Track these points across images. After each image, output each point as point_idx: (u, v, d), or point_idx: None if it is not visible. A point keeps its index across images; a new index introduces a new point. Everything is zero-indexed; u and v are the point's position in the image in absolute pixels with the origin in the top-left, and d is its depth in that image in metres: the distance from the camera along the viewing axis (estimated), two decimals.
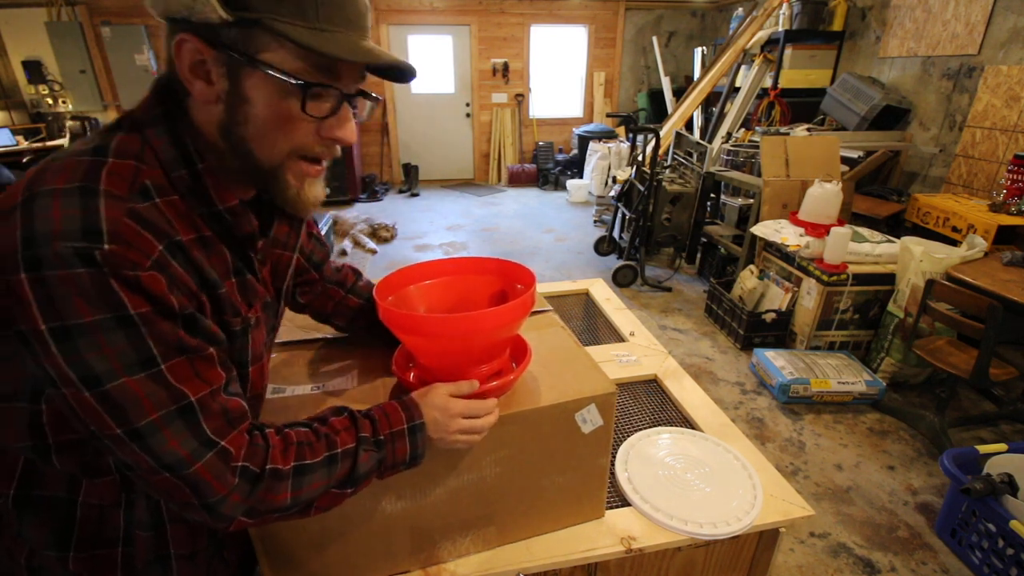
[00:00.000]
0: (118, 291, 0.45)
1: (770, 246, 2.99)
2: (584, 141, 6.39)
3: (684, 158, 4.03)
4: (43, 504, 0.59)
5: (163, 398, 0.49)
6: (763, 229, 2.98)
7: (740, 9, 5.45)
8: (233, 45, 0.50)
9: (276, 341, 0.93)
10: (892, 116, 3.87)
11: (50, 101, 5.81)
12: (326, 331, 0.98)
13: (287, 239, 0.72)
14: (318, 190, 0.61)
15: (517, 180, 6.97)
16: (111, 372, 0.46)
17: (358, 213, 5.13)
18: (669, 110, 5.86)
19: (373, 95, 0.61)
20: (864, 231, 2.83)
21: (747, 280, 3.03)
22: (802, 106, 4.43)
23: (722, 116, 4.64)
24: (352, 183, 5.98)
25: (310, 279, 0.87)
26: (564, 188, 6.55)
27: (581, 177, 6.37)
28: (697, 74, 5.59)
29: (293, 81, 0.51)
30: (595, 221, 5.38)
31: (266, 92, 0.52)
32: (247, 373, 0.64)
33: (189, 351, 0.51)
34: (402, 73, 0.58)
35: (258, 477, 0.55)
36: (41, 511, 0.59)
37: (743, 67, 4.73)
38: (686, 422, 1.20)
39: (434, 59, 6.56)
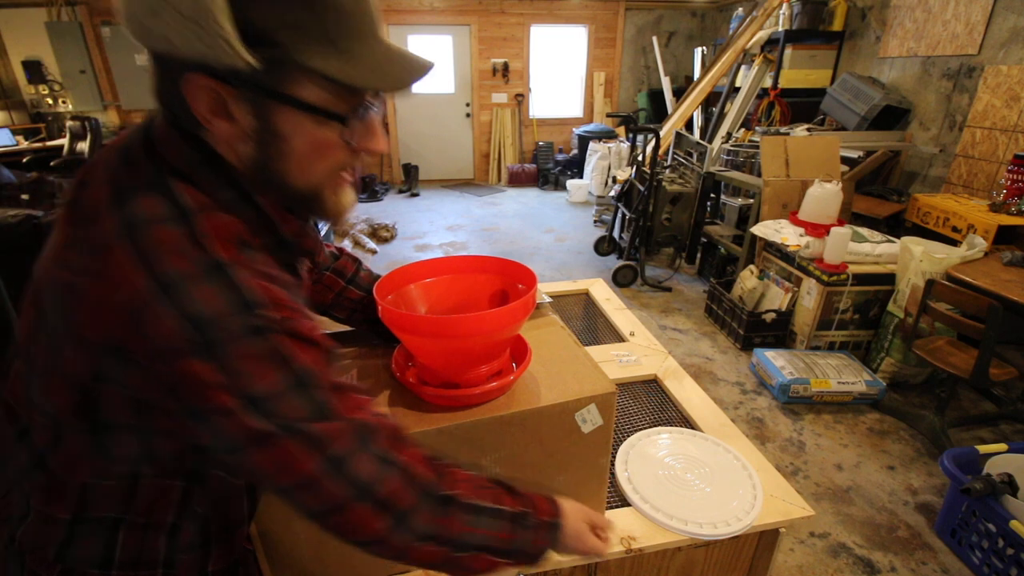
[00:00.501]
0: (290, 347, 0.48)
1: (770, 246, 2.99)
2: (584, 141, 6.39)
3: (684, 158, 4.03)
4: (93, 525, 0.57)
5: (347, 430, 0.51)
6: (763, 229, 2.98)
7: (740, 9, 5.45)
8: (257, 82, 0.47)
9: None
10: (892, 116, 3.87)
11: (50, 101, 5.81)
12: (326, 324, 0.97)
13: (312, 247, 0.73)
14: (351, 196, 0.60)
15: (517, 180, 6.97)
16: (299, 420, 0.49)
17: (358, 213, 5.13)
18: (669, 110, 5.86)
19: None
20: (864, 231, 2.83)
21: (747, 280, 3.03)
22: (802, 106, 4.43)
23: (722, 116, 4.64)
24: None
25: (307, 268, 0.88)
26: (564, 188, 6.55)
27: (581, 177, 6.37)
28: (697, 74, 5.59)
29: (331, 115, 0.50)
30: (595, 221, 5.38)
31: (302, 126, 0.50)
32: None
33: (349, 388, 0.54)
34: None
35: (443, 500, 0.56)
36: (88, 533, 0.57)
37: (743, 67, 4.73)
38: (686, 422, 1.20)
39: (434, 59, 6.54)
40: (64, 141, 5.21)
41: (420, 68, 0.53)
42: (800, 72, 4.49)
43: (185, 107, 0.49)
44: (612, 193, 4.47)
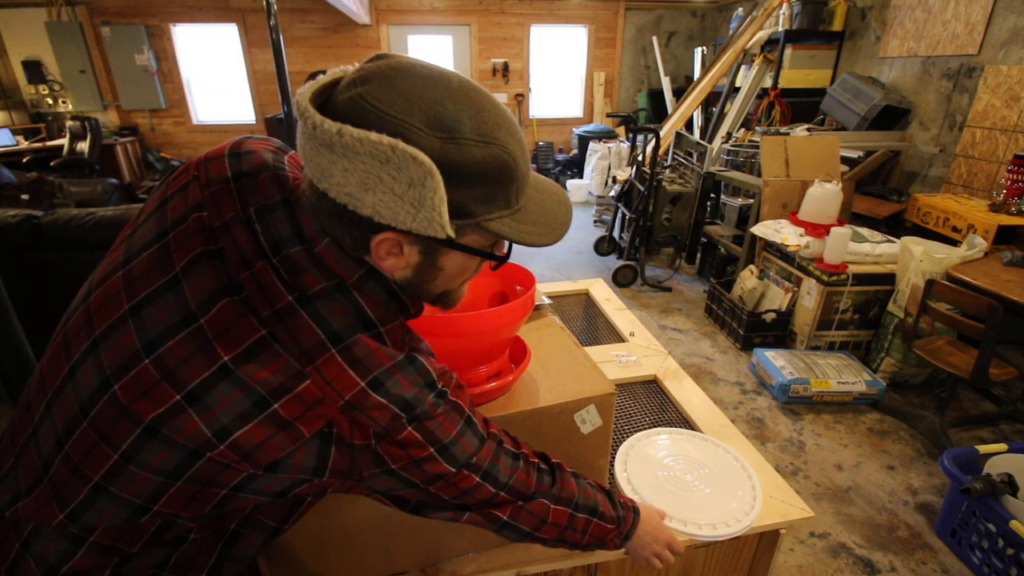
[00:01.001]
0: (461, 401, 0.60)
1: (770, 246, 2.99)
2: (584, 141, 6.39)
3: (684, 158, 4.03)
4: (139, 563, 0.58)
5: (492, 446, 0.64)
6: (763, 229, 2.98)
7: (740, 9, 5.45)
8: (442, 240, 0.51)
9: None
10: (892, 116, 3.87)
11: (50, 101, 5.81)
12: None
13: None
14: (466, 290, 0.68)
15: None
16: (471, 455, 0.61)
17: None
18: (669, 110, 5.86)
19: None
20: (864, 231, 2.83)
21: (747, 280, 3.03)
22: (802, 106, 4.43)
23: (722, 116, 4.64)
24: None
25: None
26: (564, 188, 6.53)
27: (581, 177, 6.36)
28: (697, 74, 5.59)
29: (494, 257, 0.57)
30: (595, 221, 5.38)
31: (459, 261, 0.57)
32: None
33: (476, 411, 0.65)
34: None
35: (552, 470, 0.72)
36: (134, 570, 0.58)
37: (743, 67, 4.73)
38: (686, 422, 1.20)
39: (434, 59, 6.55)
40: (64, 141, 5.22)
41: (565, 207, 0.61)
42: (800, 72, 4.49)
43: (363, 244, 0.52)
44: (612, 193, 4.47)
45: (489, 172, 0.49)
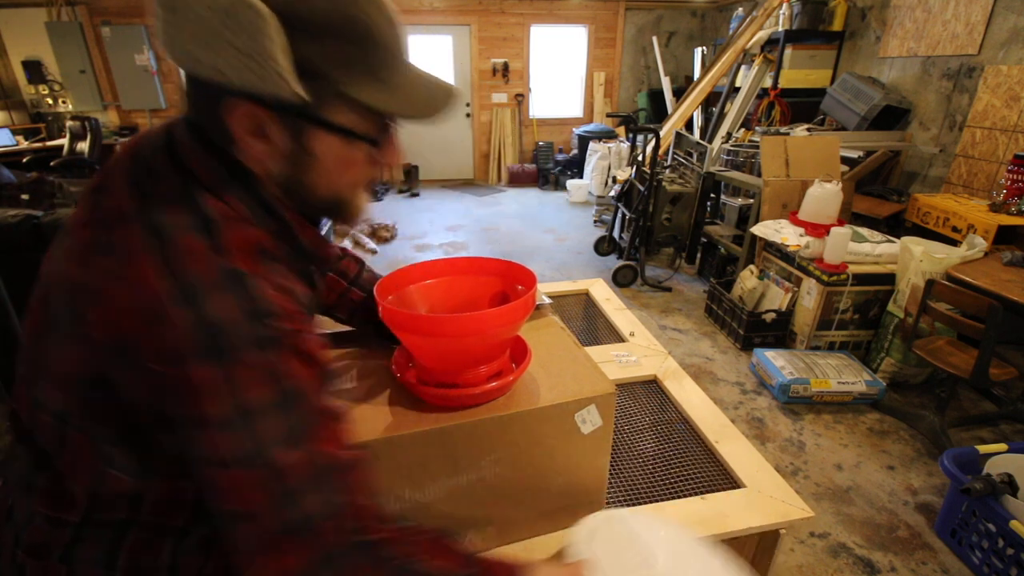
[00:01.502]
0: (289, 362, 0.49)
1: (770, 246, 2.99)
2: (584, 141, 6.39)
3: (684, 158, 4.03)
4: (101, 528, 0.57)
5: (306, 463, 0.49)
6: (763, 229, 2.98)
7: (740, 9, 5.45)
8: (299, 110, 0.50)
9: None
10: (892, 116, 3.87)
11: (50, 101, 5.81)
12: (327, 324, 0.97)
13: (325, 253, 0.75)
14: (366, 199, 0.63)
15: (517, 180, 6.97)
16: (269, 443, 0.47)
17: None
18: (669, 110, 5.86)
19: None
20: (864, 231, 2.83)
21: (747, 280, 3.03)
22: (802, 106, 4.43)
23: (722, 116, 4.64)
24: None
25: None
26: (564, 188, 6.55)
27: (581, 177, 6.36)
28: (697, 74, 5.59)
29: (365, 138, 0.54)
30: (595, 221, 5.38)
31: (335, 148, 0.53)
32: None
33: (331, 415, 0.53)
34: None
35: (375, 557, 0.51)
36: (96, 536, 0.57)
37: (743, 67, 4.73)
38: (686, 422, 1.20)
39: (434, 59, 6.57)
40: (64, 141, 5.22)
41: (445, 93, 0.56)
42: (800, 72, 4.49)
43: (220, 125, 0.51)
44: (612, 193, 4.47)
45: (338, 26, 0.48)
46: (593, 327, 1.61)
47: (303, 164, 0.54)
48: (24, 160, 4.99)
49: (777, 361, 2.54)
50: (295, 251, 0.58)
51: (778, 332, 2.87)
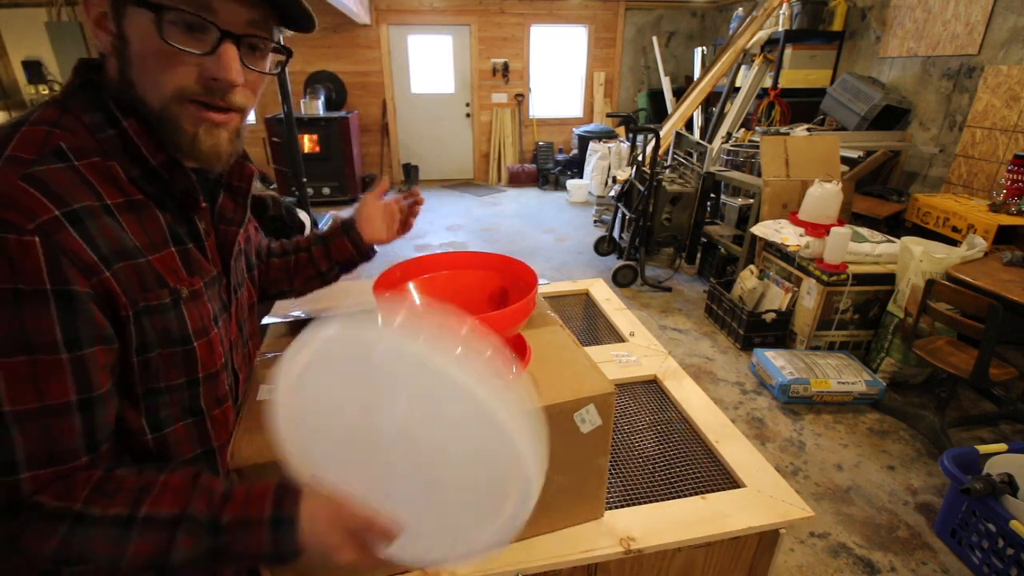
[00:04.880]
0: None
1: (770, 246, 2.99)
2: (584, 141, 6.39)
3: (684, 158, 4.03)
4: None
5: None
6: (763, 229, 2.98)
7: (740, 9, 5.45)
8: None
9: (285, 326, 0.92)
10: (892, 116, 3.86)
11: None
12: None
13: (233, 214, 0.70)
14: (220, 139, 0.58)
15: (517, 180, 6.97)
16: None
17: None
18: (669, 110, 5.86)
19: (277, 42, 0.59)
20: (864, 231, 2.83)
21: (747, 280, 3.03)
22: (802, 106, 4.43)
23: (722, 116, 4.64)
24: (352, 183, 5.98)
25: (261, 267, 0.90)
26: (564, 188, 6.55)
27: (581, 177, 6.36)
28: (697, 74, 5.59)
29: (150, 7, 0.50)
30: (595, 221, 5.37)
31: (140, 28, 0.52)
32: (192, 349, 0.60)
33: (35, 350, 0.46)
34: (292, 16, 0.58)
35: (33, 512, 0.47)
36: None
37: (743, 67, 4.73)
38: (686, 422, 1.20)
39: (434, 59, 6.57)
40: None
41: None
42: (800, 72, 4.49)
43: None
44: (612, 193, 4.47)
45: None
46: (593, 327, 1.61)
47: (125, 53, 0.53)
48: None
49: (777, 361, 2.54)
50: (146, 177, 0.56)
51: (778, 332, 2.87)
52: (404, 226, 0.98)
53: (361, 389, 0.50)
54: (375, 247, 0.94)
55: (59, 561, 0.47)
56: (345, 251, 0.92)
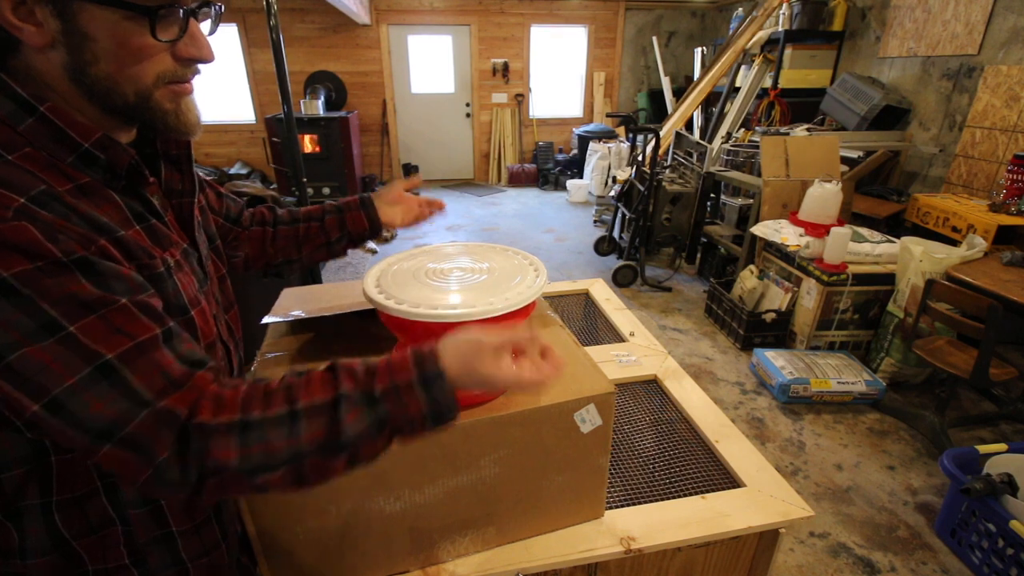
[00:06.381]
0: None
1: (770, 246, 2.99)
2: (584, 141, 6.39)
3: (684, 158, 4.03)
4: (25, 516, 0.56)
5: (76, 361, 0.45)
6: (763, 229, 2.98)
7: (740, 9, 5.45)
8: None
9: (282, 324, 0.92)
10: (892, 116, 3.87)
11: None
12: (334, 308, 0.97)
13: (182, 185, 0.68)
14: (194, 106, 0.59)
15: (517, 180, 6.97)
16: (9, 345, 0.43)
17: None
18: (669, 110, 5.87)
19: (217, 5, 0.58)
20: (864, 231, 2.83)
21: (747, 280, 3.03)
22: (802, 106, 4.43)
23: (722, 116, 4.64)
24: (352, 183, 5.98)
25: (236, 235, 0.89)
26: (564, 188, 6.55)
27: (581, 177, 6.37)
28: (697, 74, 5.59)
29: (133, 7, 0.48)
30: (595, 221, 5.38)
31: (107, 25, 0.49)
32: (191, 319, 0.61)
33: (95, 305, 0.47)
34: None
35: (201, 432, 0.49)
36: (27, 523, 0.57)
37: (743, 67, 4.73)
38: (686, 422, 1.20)
39: (434, 59, 6.57)
40: None
41: None
42: (800, 72, 4.49)
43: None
44: (612, 193, 4.47)
45: None
46: (593, 327, 1.61)
47: (83, 50, 0.49)
48: None
49: (777, 361, 2.54)
50: (84, 159, 0.53)
51: (778, 332, 2.87)
52: (417, 219, 1.03)
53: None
54: (383, 230, 0.98)
55: (248, 471, 0.49)
56: (360, 224, 0.95)
